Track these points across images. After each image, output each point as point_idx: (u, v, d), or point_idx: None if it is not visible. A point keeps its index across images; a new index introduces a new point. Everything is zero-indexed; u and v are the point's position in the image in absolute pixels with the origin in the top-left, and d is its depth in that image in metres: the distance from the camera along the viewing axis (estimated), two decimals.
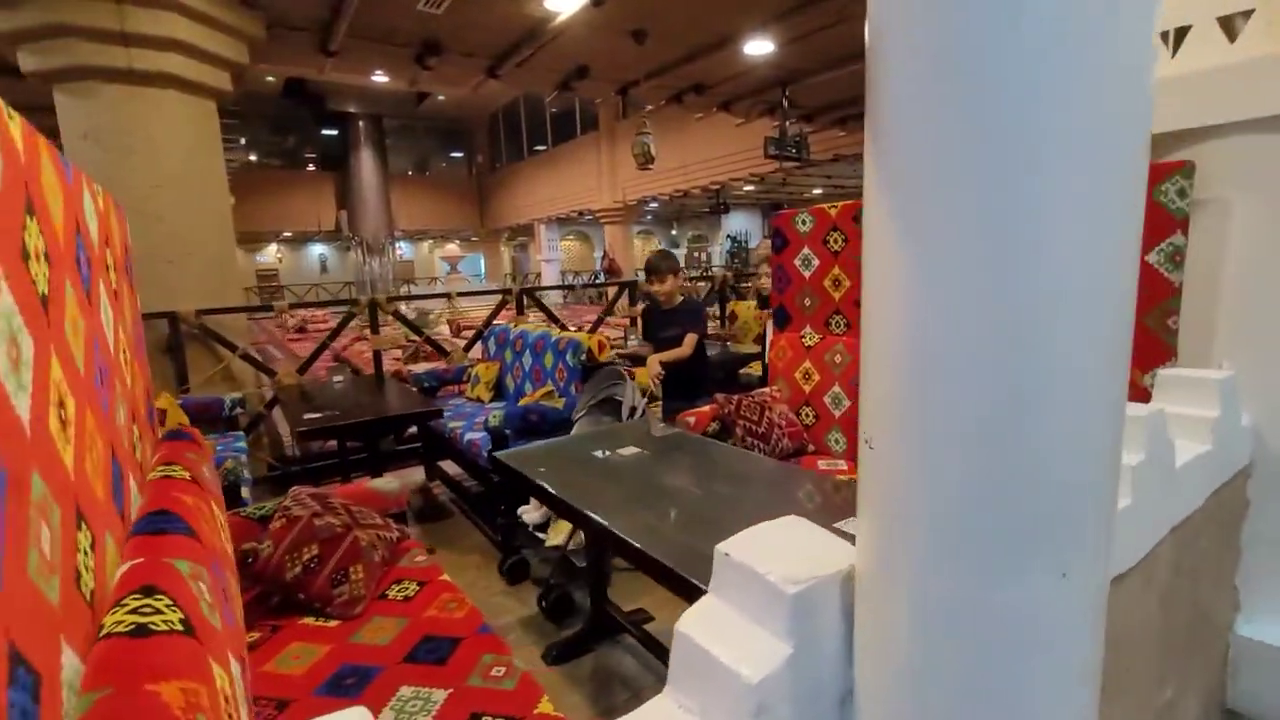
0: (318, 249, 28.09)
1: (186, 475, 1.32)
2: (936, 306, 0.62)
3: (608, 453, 2.16)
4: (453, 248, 22.33)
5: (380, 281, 20.86)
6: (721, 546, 0.82)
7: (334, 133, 21.46)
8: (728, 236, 23.43)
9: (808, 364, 2.88)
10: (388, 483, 2.07)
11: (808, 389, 2.86)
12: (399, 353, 8.19)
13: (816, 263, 2.87)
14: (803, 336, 2.96)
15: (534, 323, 5.21)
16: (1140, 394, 1.82)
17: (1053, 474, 0.62)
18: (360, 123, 20.75)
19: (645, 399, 2.82)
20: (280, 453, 4.42)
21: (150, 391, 1.71)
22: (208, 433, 3.74)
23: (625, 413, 2.78)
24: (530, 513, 2.62)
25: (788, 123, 6.56)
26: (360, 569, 1.72)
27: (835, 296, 2.80)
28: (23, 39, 3.33)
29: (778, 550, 0.81)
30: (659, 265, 3.30)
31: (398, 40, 4.42)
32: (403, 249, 27.05)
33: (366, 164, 20.89)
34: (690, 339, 3.29)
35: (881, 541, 0.70)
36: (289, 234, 23.77)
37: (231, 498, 2.46)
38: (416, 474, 4.10)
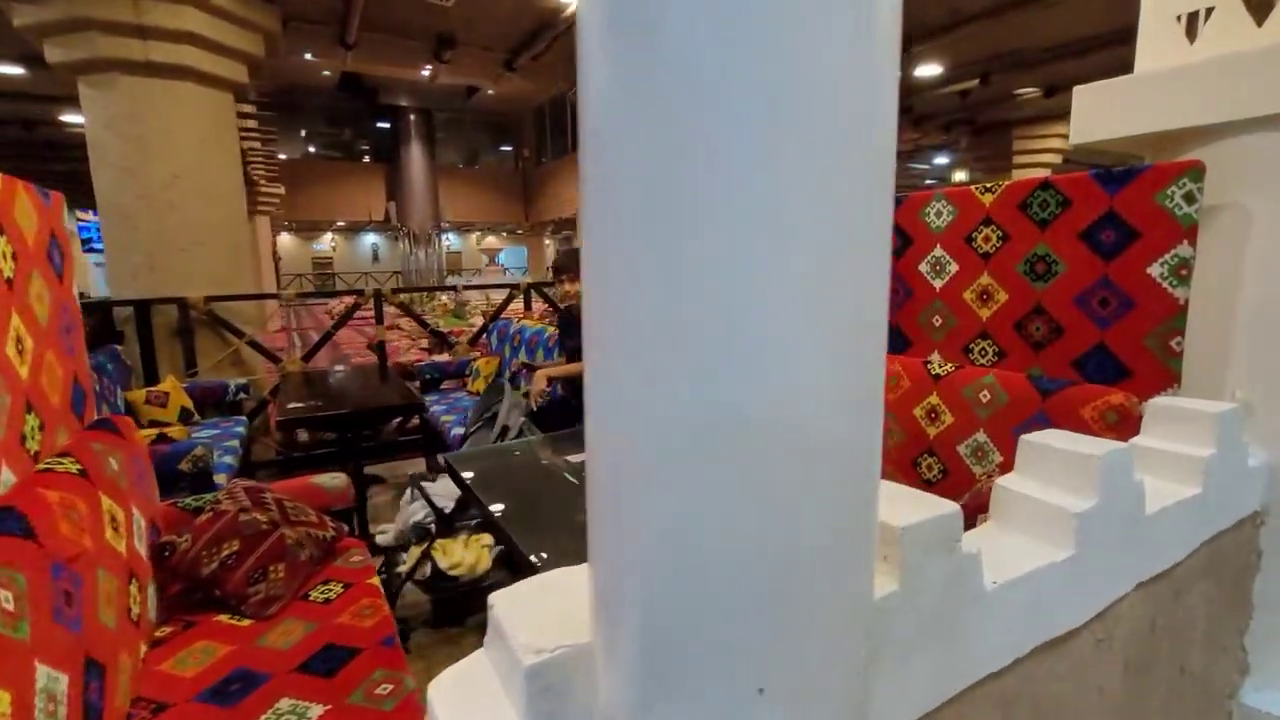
0: (370, 238, 28.99)
1: (75, 468, 1.30)
2: (613, 321, 0.51)
3: (559, 459, 2.08)
4: (492, 240, 22.65)
5: (425, 271, 21.35)
6: (497, 595, 0.71)
7: (386, 126, 22.04)
8: None
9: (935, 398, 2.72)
10: (331, 479, 2.05)
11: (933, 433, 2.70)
12: (425, 343, 8.31)
13: (954, 268, 2.71)
14: (928, 364, 2.81)
15: (540, 319, 5.18)
16: (1135, 425, 1.62)
17: (730, 551, 0.50)
18: (411, 116, 21.26)
19: (524, 417, 2.68)
20: (289, 438, 4.52)
21: (77, 378, 1.73)
22: (211, 416, 3.85)
23: (496, 432, 2.65)
24: (384, 535, 2.56)
25: None
26: (281, 568, 1.69)
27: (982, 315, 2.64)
28: (49, 32, 3.46)
29: (561, 601, 0.70)
30: (566, 263, 2.91)
31: (413, 33, 4.44)
32: (451, 240, 27.64)
33: (415, 156, 21.40)
34: None
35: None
36: (341, 223, 24.60)
37: (201, 485, 2.49)
38: (418, 464, 4.12)
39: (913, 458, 2.18)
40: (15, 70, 3.71)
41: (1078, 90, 1.85)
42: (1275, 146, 1.50)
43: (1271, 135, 1.51)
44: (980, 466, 1.98)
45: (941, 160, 18.36)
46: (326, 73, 18.88)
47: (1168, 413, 1.45)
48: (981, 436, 1.98)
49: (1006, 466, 1.85)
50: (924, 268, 2.22)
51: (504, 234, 28.28)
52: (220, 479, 2.72)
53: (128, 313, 3.73)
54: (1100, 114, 1.81)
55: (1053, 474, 1.18)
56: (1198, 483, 1.36)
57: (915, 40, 4.96)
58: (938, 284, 2.18)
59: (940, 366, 2.15)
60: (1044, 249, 1.86)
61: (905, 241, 2.28)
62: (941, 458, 2.10)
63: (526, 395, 2.71)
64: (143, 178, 3.66)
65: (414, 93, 20.51)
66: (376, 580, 1.81)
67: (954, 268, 2.12)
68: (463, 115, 23.91)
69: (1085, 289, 1.77)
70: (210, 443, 2.50)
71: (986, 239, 2.02)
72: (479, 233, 28.42)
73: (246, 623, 1.61)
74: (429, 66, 5.18)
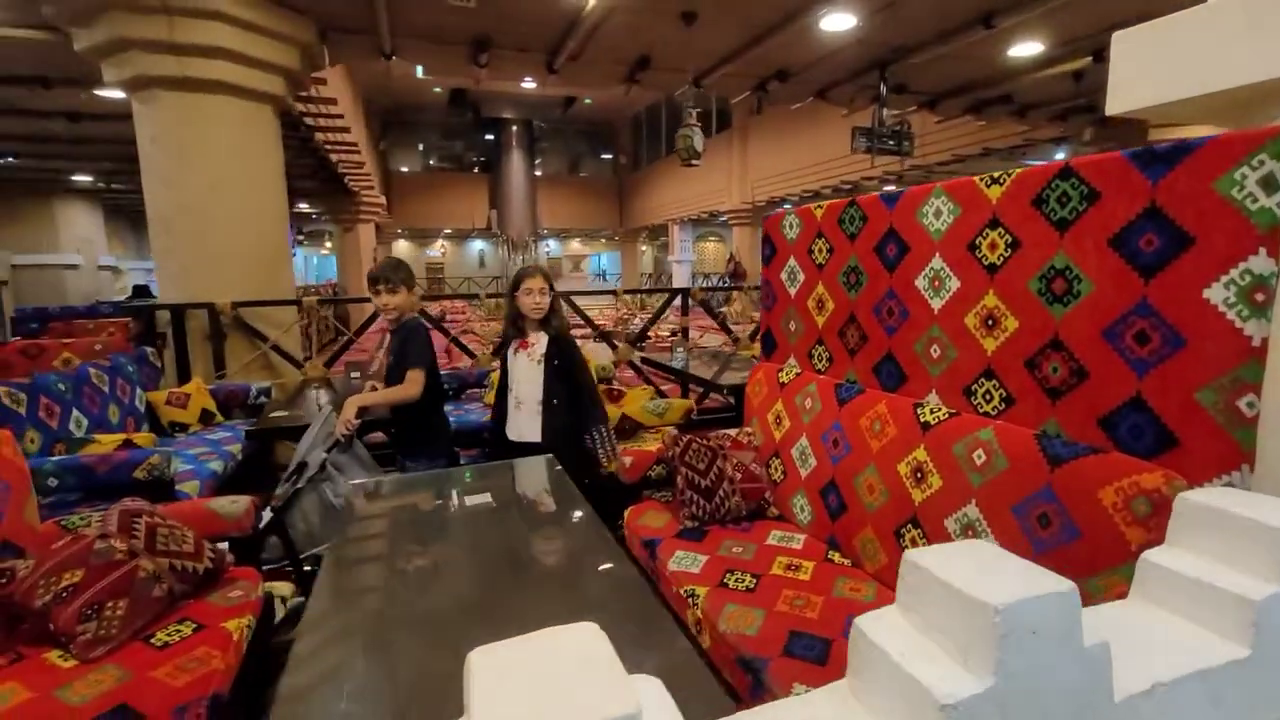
0: (478, 245, 30.50)
1: None
2: None
3: (455, 500, 1.81)
4: (577, 245, 22.98)
5: None
6: None
7: (490, 137, 23.03)
8: None
9: (780, 405, 2.29)
10: (230, 503, 1.91)
11: (779, 436, 2.27)
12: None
13: (802, 278, 2.27)
14: (780, 371, 2.37)
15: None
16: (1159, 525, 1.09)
17: None
18: (512, 127, 22.05)
19: (327, 454, 2.33)
20: None
21: None
22: (237, 418, 3.97)
23: (291, 469, 2.28)
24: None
25: (885, 109, 5.57)
26: (122, 605, 1.55)
27: (819, 321, 2.19)
28: (103, 53, 3.70)
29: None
30: (384, 273, 2.51)
31: (446, 38, 4.39)
32: (551, 246, 28.46)
33: (515, 166, 22.17)
34: (414, 375, 2.43)
35: None
36: (449, 231, 26.00)
37: (159, 494, 2.47)
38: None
39: (895, 525, 1.70)
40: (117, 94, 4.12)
41: (1118, 37, 1.32)
42: None
43: None
44: (804, 468, 1.48)
45: (1061, 156, 16.13)
46: (437, 90, 20.07)
47: (1205, 515, 0.93)
48: (973, 511, 1.48)
49: (823, 471, 1.36)
50: (921, 283, 1.73)
51: (602, 240, 28.71)
52: (189, 488, 2.72)
53: (169, 316, 3.95)
54: (1151, 68, 1.28)
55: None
56: (1247, 639, 0.85)
57: (1002, 13, 4.22)
58: (936, 304, 1.69)
59: (933, 412, 1.66)
60: (1063, 260, 1.35)
61: (901, 249, 1.80)
62: (927, 532, 1.61)
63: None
64: (180, 188, 3.86)
65: (515, 105, 21.25)
66: (243, 622, 1.63)
67: (955, 284, 1.63)
68: (563, 125, 24.52)
69: (1117, 317, 1.25)
70: (170, 451, 2.50)
71: (993, 246, 1.52)
72: (578, 239, 29.06)
73: (71, 663, 1.48)
74: (530, 79, 5.21)
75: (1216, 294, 1.09)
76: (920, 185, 1.72)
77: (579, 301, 4.79)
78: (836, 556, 1.90)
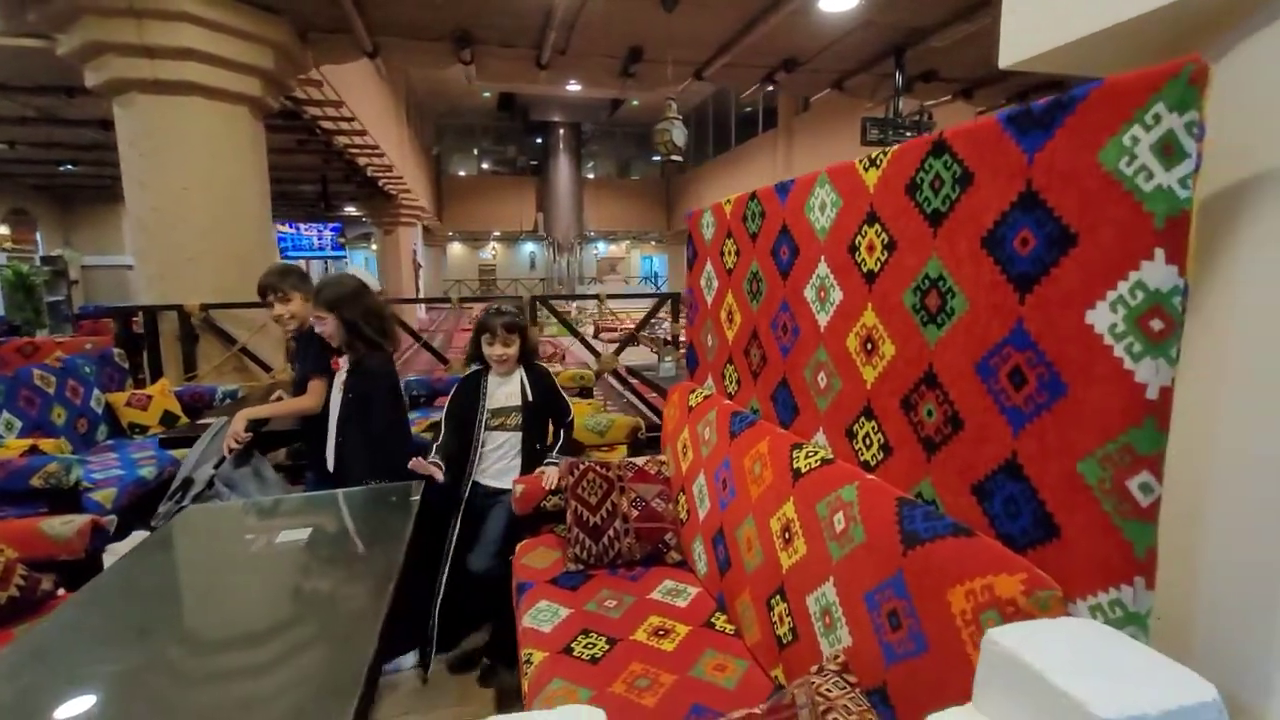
0: (529, 247, 30.93)
1: None
2: None
3: (265, 535, 1.60)
4: (615, 249, 22.91)
5: (567, 278, 22.13)
6: None
7: (539, 141, 23.24)
8: None
9: (686, 433, 1.98)
10: (62, 524, 1.77)
11: (684, 468, 1.96)
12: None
13: (716, 285, 1.95)
14: (692, 393, 2.05)
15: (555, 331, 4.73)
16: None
17: None
18: (560, 130, 22.17)
19: (215, 470, 2.11)
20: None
21: None
22: (201, 419, 3.96)
23: (176, 485, 2.10)
24: None
25: (918, 100, 5.03)
26: None
27: (729, 336, 1.86)
28: (82, 58, 3.75)
29: None
30: (274, 281, 2.33)
31: (426, 35, 4.26)
32: (600, 248, 28.53)
33: (562, 169, 22.29)
34: (315, 385, 2.23)
35: None
36: (498, 233, 26.44)
37: (64, 504, 2.39)
38: None
39: (767, 594, 1.37)
40: None
41: None
42: None
43: None
44: (827, 644, 1.14)
45: None
46: (486, 94, 20.40)
47: (1021, 677, 0.60)
48: (830, 592, 1.14)
49: (855, 657, 1.02)
50: (809, 293, 1.40)
51: (651, 242, 28.52)
52: (103, 497, 2.65)
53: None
54: (1047, 2, 0.92)
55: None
56: None
57: None
58: (823, 320, 1.35)
59: (808, 456, 1.31)
60: (936, 266, 1.00)
61: (792, 252, 1.46)
62: (792, 608, 1.27)
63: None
64: (154, 190, 3.87)
65: (563, 108, 21.33)
66: None
67: (839, 295, 1.29)
68: (612, 128, 24.46)
69: (990, 347, 0.90)
70: (73, 460, 2.43)
71: (871, 247, 1.17)
72: (629, 240, 28.96)
73: None
74: (574, 83, 5.13)
75: (1101, 318, 0.73)
76: (812, 172, 1.39)
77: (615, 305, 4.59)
78: (721, 621, 1.57)
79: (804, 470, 1.29)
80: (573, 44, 4.46)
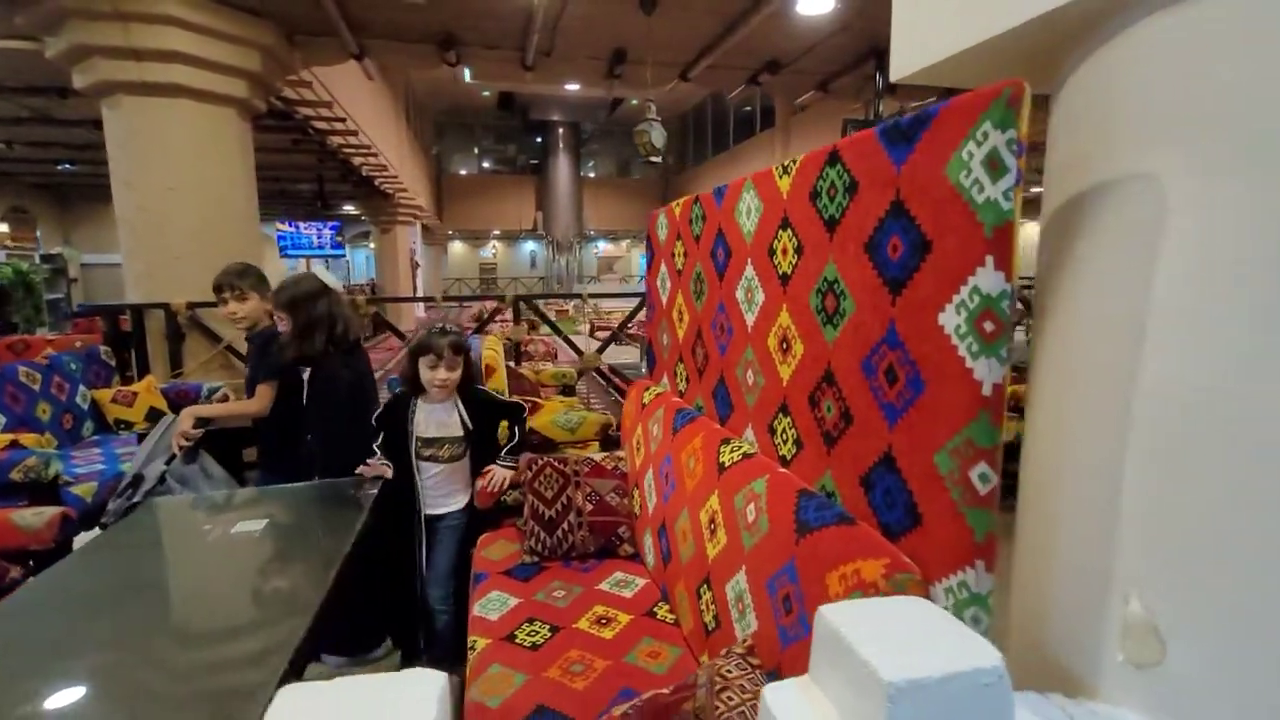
0: (529, 246, 30.97)
1: None
2: None
3: (222, 527, 1.66)
4: (610, 248, 22.97)
5: (566, 278, 22.20)
6: None
7: (539, 140, 23.31)
8: None
9: (640, 430, 2.03)
10: (34, 515, 1.83)
11: (638, 464, 2.01)
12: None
13: (669, 285, 2.01)
14: (646, 391, 2.11)
15: (530, 333, 4.77)
16: None
17: None
18: (560, 129, 22.22)
19: (166, 466, 2.17)
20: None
21: None
22: None
23: (126, 482, 2.10)
24: None
25: (900, 102, 5.06)
26: None
27: (680, 335, 1.92)
28: (70, 61, 3.82)
29: None
30: (227, 281, 2.31)
31: (410, 37, 4.33)
32: (600, 247, 28.59)
33: (562, 168, 22.35)
34: (263, 389, 2.25)
35: None
36: (497, 232, 26.50)
37: (44, 497, 2.45)
38: None
39: (696, 584, 1.42)
40: None
41: None
42: (1208, 24, 0.64)
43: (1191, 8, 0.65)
44: (740, 629, 1.19)
45: None
46: (486, 93, 20.46)
47: (835, 650, 0.65)
48: (742, 580, 1.20)
49: (760, 641, 1.08)
50: (740, 294, 1.45)
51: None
52: (83, 490, 2.71)
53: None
54: (935, 12, 0.97)
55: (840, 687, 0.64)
56: None
57: None
58: (750, 320, 1.40)
59: (733, 451, 1.37)
60: (833, 270, 1.05)
61: (726, 254, 1.52)
62: (716, 597, 1.33)
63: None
64: (141, 190, 3.94)
65: (562, 108, 21.39)
66: None
67: (761, 296, 1.34)
68: (611, 127, 24.52)
69: (871, 347, 0.95)
70: (52, 454, 2.50)
71: (784, 251, 1.23)
72: (630, 240, 29.02)
73: None
74: (575, 83, 5.21)
75: (949, 320, 0.79)
76: (741, 178, 1.44)
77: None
78: (663, 610, 1.63)
79: (727, 464, 1.34)
80: (557, 46, 4.52)
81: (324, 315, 2.20)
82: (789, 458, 1.24)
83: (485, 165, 26.55)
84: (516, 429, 2.16)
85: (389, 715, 0.51)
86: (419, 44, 4.46)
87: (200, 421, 2.34)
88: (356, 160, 8.57)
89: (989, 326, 0.73)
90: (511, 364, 4.55)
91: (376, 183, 10.37)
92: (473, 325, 5.56)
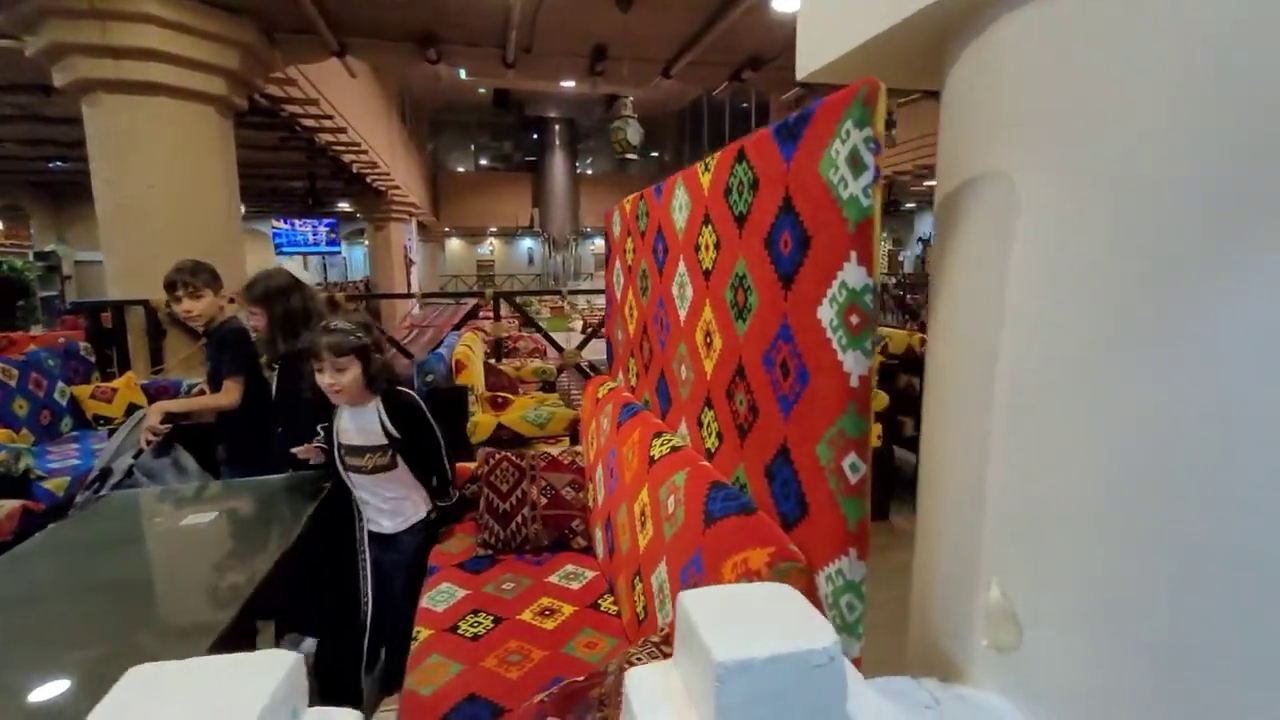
0: (527, 243, 30.96)
1: None
2: None
3: (172, 519, 1.69)
4: (602, 243, 22.91)
5: (562, 275, 22.21)
6: None
7: (535, 137, 23.30)
8: (919, 240, 20.41)
9: (594, 424, 2.05)
10: None
11: (591, 458, 2.03)
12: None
13: (622, 281, 2.03)
14: (601, 386, 2.13)
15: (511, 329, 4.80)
16: None
17: None
18: (556, 126, 22.21)
19: (134, 460, 2.18)
20: None
21: None
22: None
23: (94, 475, 2.15)
24: None
25: None
26: None
27: (631, 330, 1.94)
28: (50, 59, 3.83)
29: None
30: (180, 278, 2.29)
31: (390, 34, 4.34)
32: (598, 244, 28.62)
33: (558, 164, 22.34)
34: (230, 384, 2.26)
35: None
36: (494, 229, 26.50)
37: (16, 490, 2.48)
38: None
39: (631, 575, 1.45)
40: None
41: None
42: (1068, 20, 0.66)
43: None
44: (662, 618, 1.22)
45: None
46: (482, 90, 20.43)
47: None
48: (664, 571, 1.22)
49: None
50: (674, 289, 1.47)
51: None
52: (55, 485, 2.74)
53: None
54: (839, 6, 0.99)
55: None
56: None
57: None
58: (682, 315, 1.42)
59: (664, 444, 1.39)
60: (742, 265, 1.07)
61: (664, 249, 1.54)
62: (645, 586, 1.35)
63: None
64: (120, 187, 3.96)
65: (558, 104, 21.38)
66: None
67: (690, 291, 1.36)
68: (608, 123, 24.53)
69: (770, 340, 0.97)
70: (22, 449, 2.53)
71: (706, 247, 1.25)
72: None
73: None
74: (571, 81, 5.24)
75: (825, 314, 0.81)
76: (675, 174, 1.46)
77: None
78: (607, 602, 1.65)
79: (656, 458, 1.36)
80: (537, 43, 4.53)
81: (299, 310, 2.24)
82: (713, 450, 1.26)
83: (482, 162, 26.53)
84: (435, 479, 1.96)
85: (228, 694, 0.53)
86: (399, 42, 4.48)
87: (170, 416, 2.37)
88: (347, 158, 8.58)
89: (855, 320, 0.75)
90: (492, 360, 4.58)
91: (368, 180, 10.38)
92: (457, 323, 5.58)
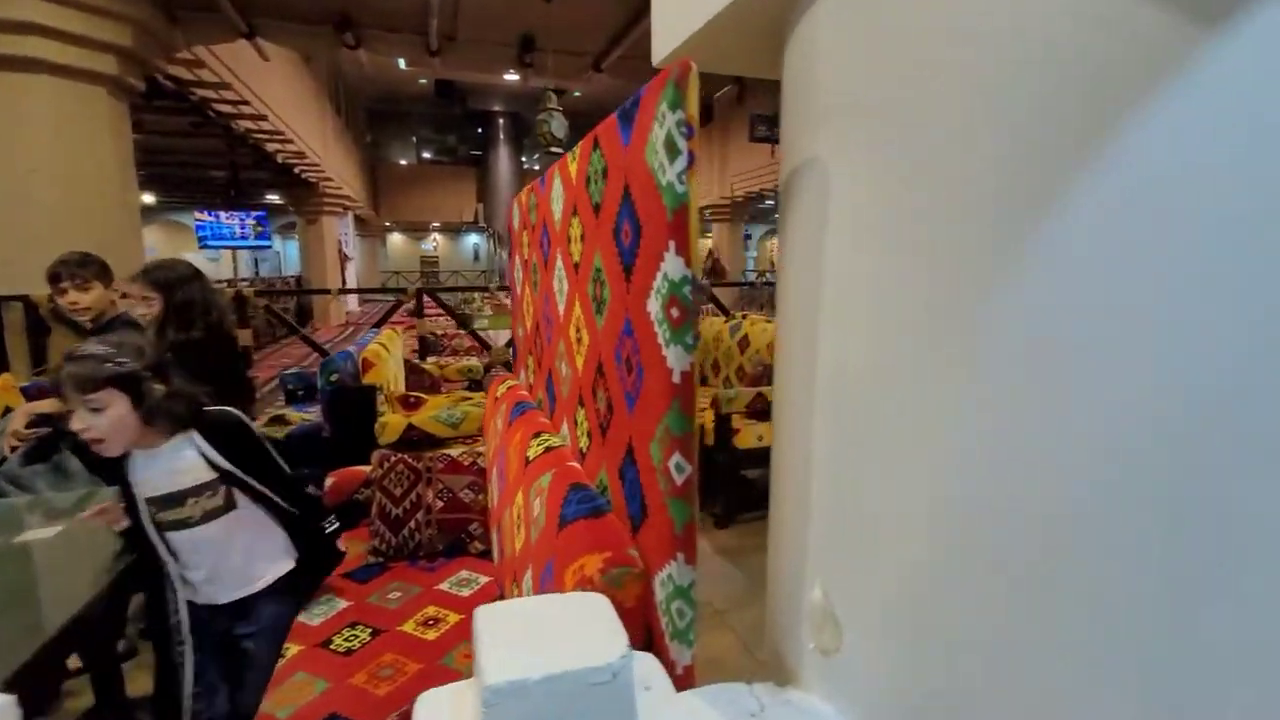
0: (472, 239, 30.34)
1: None
2: None
3: (9, 534, 1.53)
4: None
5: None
6: None
7: (480, 130, 22.83)
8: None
9: (493, 424, 1.99)
10: None
11: (489, 459, 1.97)
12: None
13: (520, 275, 1.96)
14: (502, 384, 2.07)
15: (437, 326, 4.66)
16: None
17: None
18: (500, 120, 21.81)
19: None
20: None
21: None
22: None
23: None
24: None
25: None
26: None
27: (527, 326, 1.88)
28: None
29: None
30: (67, 270, 2.15)
31: (303, 17, 4.13)
32: None
33: (503, 159, 21.95)
34: None
35: None
36: (437, 225, 25.89)
37: None
38: None
39: (510, 581, 1.39)
40: None
41: None
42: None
43: None
44: (494, 497, 1.17)
45: None
46: (423, 81, 19.86)
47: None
48: (529, 576, 1.17)
49: (500, 504, 1.05)
50: (555, 284, 1.42)
51: None
52: None
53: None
54: None
55: None
56: None
57: None
58: (561, 309, 1.38)
59: (539, 445, 1.34)
60: (599, 258, 1.03)
61: (548, 241, 1.48)
62: (519, 592, 1.30)
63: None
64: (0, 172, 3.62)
65: (502, 97, 20.99)
66: None
67: (566, 285, 1.32)
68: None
69: (619, 335, 0.93)
70: None
71: (575, 238, 1.20)
72: None
73: None
74: (413, 61, 5.01)
75: (653, 307, 0.77)
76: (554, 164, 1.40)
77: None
78: None
79: (531, 458, 1.31)
80: (460, 30, 4.39)
81: (199, 300, 2.09)
82: (585, 450, 1.22)
83: (425, 155, 25.83)
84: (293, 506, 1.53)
85: None
86: (315, 25, 4.26)
87: (43, 419, 2.18)
88: (270, 146, 8.17)
89: (675, 313, 0.71)
90: (416, 359, 4.42)
91: (297, 171, 9.92)
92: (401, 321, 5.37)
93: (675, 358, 0.72)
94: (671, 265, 0.71)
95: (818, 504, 0.72)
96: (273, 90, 7.55)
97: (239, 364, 2.46)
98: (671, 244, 0.70)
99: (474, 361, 4.37)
